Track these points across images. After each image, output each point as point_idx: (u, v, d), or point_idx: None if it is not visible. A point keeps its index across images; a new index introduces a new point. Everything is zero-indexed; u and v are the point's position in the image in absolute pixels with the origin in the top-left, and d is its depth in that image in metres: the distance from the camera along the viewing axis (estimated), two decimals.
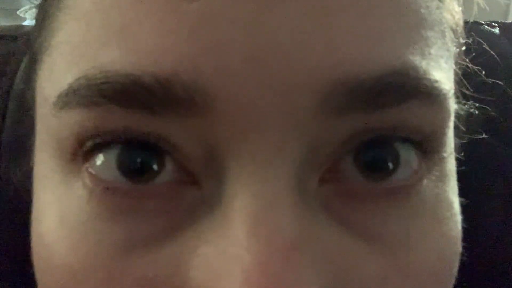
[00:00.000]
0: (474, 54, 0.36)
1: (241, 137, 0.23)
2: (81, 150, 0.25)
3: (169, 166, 0.25)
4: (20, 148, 0.32)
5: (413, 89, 0.24)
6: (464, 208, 0.30)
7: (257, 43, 0.23)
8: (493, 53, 0.37)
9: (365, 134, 0.25)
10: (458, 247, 0.28)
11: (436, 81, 0.25)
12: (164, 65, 0.23)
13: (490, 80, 0.36)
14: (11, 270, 0.35)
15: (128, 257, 0.24)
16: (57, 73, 0.26)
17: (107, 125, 0.24)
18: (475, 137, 0.35)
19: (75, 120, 0.25)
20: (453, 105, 0.28)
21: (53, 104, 0.25)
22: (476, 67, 0.36)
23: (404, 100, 0.24)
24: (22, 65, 0.38)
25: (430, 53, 0.26)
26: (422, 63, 0.25)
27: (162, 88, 0.23)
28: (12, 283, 0.35)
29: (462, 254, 0.28)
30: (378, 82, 0.24)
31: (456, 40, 0.30)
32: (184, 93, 0.23)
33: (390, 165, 0.26)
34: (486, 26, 0.37)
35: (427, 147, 0.26)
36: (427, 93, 0.25)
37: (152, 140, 0.24)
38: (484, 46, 0.37)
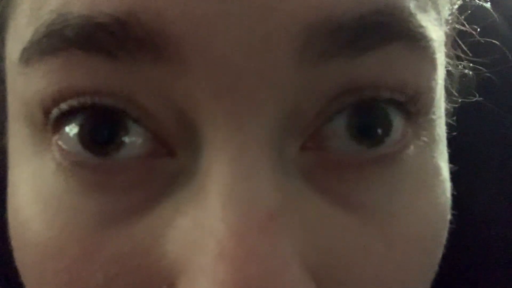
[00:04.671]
0: (469, 11, 0.35)
1: (212, 96, 0.22)
2: (49, 120, 0.24)
3: (140, 137, 0.24)
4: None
5: (397, 29, 0.23)
6: (456, 175, 0.29)
7: None
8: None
9: (349, 94, 0.24)
10: (446, 214, 0.27)
11: (421, 26, 0.24)
12: (119, 4, 0.22)
13: (487, 40, 0.35)
14: None
15: (104, 232, 0.24)
16: (20, 31, 0.25)
17: (71, 81, 0.23)
18: (469, 100, 0.34)
19: (40, 73, 0.24)
20: (440, 59, 0.26)
21: (18, 62, 0.25)
22: (473, 26, 0.34)
23: (387, 41, 0.23)
24: None
25: None
26: (410, 4, 0.24)
27: (120, 29, 0.22)
28: None
29: (452, 222, 0.28)
30: (360, 22, 0.22)
31: (448, 0, 0.29)
32: (144, 35, 0.22)
33: (380, 131, 0.24)
34: (476, 0, 0.36)
35: (413, 108, 0.25)
36: (411, 36, 0.24)
37: (120, 105, 0.23)
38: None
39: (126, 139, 0.24)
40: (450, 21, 0.31)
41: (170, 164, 0.24)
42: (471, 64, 0.35)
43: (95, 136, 0.24)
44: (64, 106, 0.24)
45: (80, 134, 0.24)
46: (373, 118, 0.25)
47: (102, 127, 0.24)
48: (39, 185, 0.25)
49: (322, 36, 0.22)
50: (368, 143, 0.24)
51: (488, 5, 0.37)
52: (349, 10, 0.22)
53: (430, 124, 0.26)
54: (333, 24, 0.22)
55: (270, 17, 0.22)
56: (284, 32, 0.22)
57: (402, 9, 0.23)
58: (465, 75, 0.34)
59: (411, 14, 0.23)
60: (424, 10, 0.25)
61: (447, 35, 0.29)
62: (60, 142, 0.24)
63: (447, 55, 0.31)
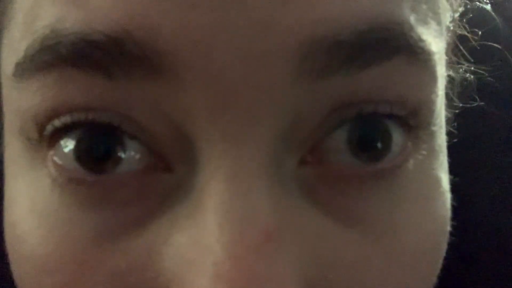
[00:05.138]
0: (471, 15, 0.34)
1: (209, 112, 0.22)
2: (43, 136, 0.24)
3: (137, 153, 0.24)
4: None
5: (397, 44, 0.23)
6: (455, 183, 0.29)
7: (224, 1, 0.21)
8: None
9: (348, 108, 0.24)
10: (446, 226, 0.27)
11: (422, 40, 0.24)
12: (113, 22, 0.21)
13: (488, 43, 0.35)
14: None
15: (100, 248, 0.23)
16: (14, 44, 0.25)
17: (65, 97, 0.23)
18: (470, 105, 0.34)
19: (34, 89, 0.23)
20: (441, 71, 0.26)
21: (12, 76, 0.24)
22: (473, 30, 0.34)
23: (387, 56, 0.23)
24: None
25: (421, 8, 0.24)
26: (410, 18, 0.23)
27: (114, 46, 0.21)
28: None
29: (451, 234, 0.27)
30: (360, 39, 0.22)
31: (449, 8, 0.29)
32: (139, 52, 0.21)
33: (380, 145, 0.24)
34: (477, 3, 0.35)
35: (413, 121, 0.25)
36: (411, 50, 0.23)
37: (116, 121, 0.23)
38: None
39: (123, 155, 0.23)
40: (451, 27, 0.30)
41: (166, 179, 0.24)
42: (472, 68, 0.34)
43: (91, 152, 0.23)
44: (57, 122, 0.23)
45: (75, 150, 0.23)
46: (373, 132, 0.24)
47: (98, 143, 0.23)
48: (35, 199, 0.25)
49: (321, 52, 0.22)
50: (368, 157, 0.24)
51: (488, 7, 0.36)
52: (349, 26, 0.22)
53: (430, 136, 0.26)
54: (332, 40, 0.22)
55: (267, 33, 0.21)
56: (282, 48, 0.21)
57: (402, 23, 0.23)
58: (465, 79, 0.34)
59: (411, 28, 0.23)
60: (425, 22, 0.24)
61: (448, 42, 0.29)
62: (55, 158, 0.24)
63: (448, 61, 0.30)
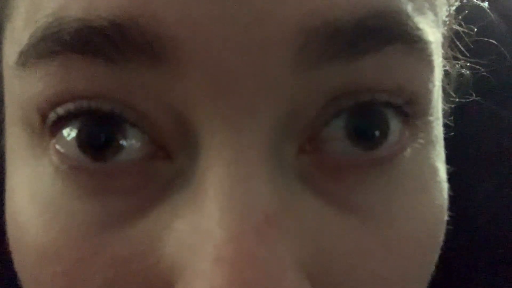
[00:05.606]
0: (467, 11, 0.35)
1: (210, 99, 0.22)
2: (46, 124, 0.24)
3: (138, 141, 0.24)
4: None
5: (394, 33, 0.23)
6: (453, 175, 0.29)
7: None
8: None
9: (346, 97, 0.24)
10: (443, 216, 0.27)
11: (419, 29, 0.24)
12: (116, 8, 0.22)
13: (484, 39, 0.35)
14: None
15: (101, 236, 0.24)
16: (16, 34, 0.25)
17: (68, 85, 0.23)
18: (466, 99, 0.35)
19: (37, 77, 0.24)
20: (437, 60, 0.26)
21: (15, 65, 0.25)
22: (469, 26, 0.35)
23: (384, 44, 0.23)
24: None
25: None
26: (408, 7, 0.24)
27: (117, 32, 0.22)
28: None
29: (448, 223, 0.28)
30: (358, 26, 0.22)
31: (446, 1, 0.29)
32: (141, 39, 0.22)
33: (378, 133, 0.25)
34: (474, 0, 0.36)
35: (410, 110, 0.25)
36: (408, 39, 0.24)
37: (118, 109, 0.23)
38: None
39: (124, 143, 0.24)
40: (448, 22, 0.31)
41: (167, 167, 0.24)
42: (468, 64, 0.35)
43: (93, 140, 0.24)
44: (60, 110, 0.24)
45: (78, 138, 0.24)
46: (370, 120, 0.25)
47: (99, 131, 0.24)
48: (37, 188, 0.25)
49: (319, 40, 0.22)
50: (365, 145, 0.25)
51: (485, 4, 0.37)
52: (346, 14, 0.22)
53: (427, 126, 0.27)
54: (330, 28, 0.22)
55: (267, 22, 0.22)
56: (281, 36, 0.22)
57: (400, 12, 0.23)
58: (462, 74, 0.34)
59: (408, 17, 0.23)
60: (422, 12, 0.25)
61: (444, 36, 0.30)
62: (57, 146, 0.24)
63: (445, 56, 0.31)
